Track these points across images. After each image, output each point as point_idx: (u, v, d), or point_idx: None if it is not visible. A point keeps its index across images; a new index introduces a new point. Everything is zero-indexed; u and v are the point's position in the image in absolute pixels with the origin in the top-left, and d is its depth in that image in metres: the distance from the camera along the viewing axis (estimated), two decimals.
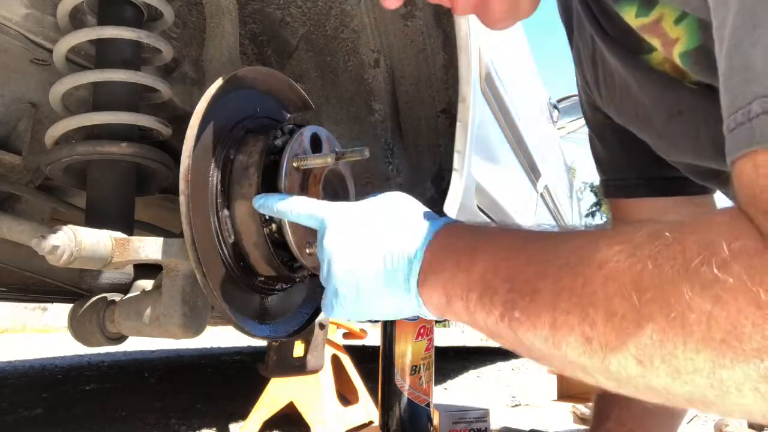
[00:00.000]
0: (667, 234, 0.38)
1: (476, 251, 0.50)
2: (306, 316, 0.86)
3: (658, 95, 0.68)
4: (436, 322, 1.24)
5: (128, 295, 0.80)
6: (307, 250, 0.73)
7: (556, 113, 2.95)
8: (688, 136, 0.66)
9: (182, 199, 0.66)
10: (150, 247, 0.72)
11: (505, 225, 0.53)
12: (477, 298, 0.48)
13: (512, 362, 3.91)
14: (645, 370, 0.38)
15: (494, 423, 1.43)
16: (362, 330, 1.70)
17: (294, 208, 0.64)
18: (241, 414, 1.58)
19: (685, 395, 0.38)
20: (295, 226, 0.71)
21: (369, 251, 0.56)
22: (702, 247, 0.36)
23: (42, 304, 11.58)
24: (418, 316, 0.63)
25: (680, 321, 0.35)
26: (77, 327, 0.80)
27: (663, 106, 0.68)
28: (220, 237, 0.72)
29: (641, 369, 0.38)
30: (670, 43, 0.59)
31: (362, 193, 0.94)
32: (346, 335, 1.69)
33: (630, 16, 0.62)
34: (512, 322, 0.45)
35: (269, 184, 0.71)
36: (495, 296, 0.47)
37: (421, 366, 1.12)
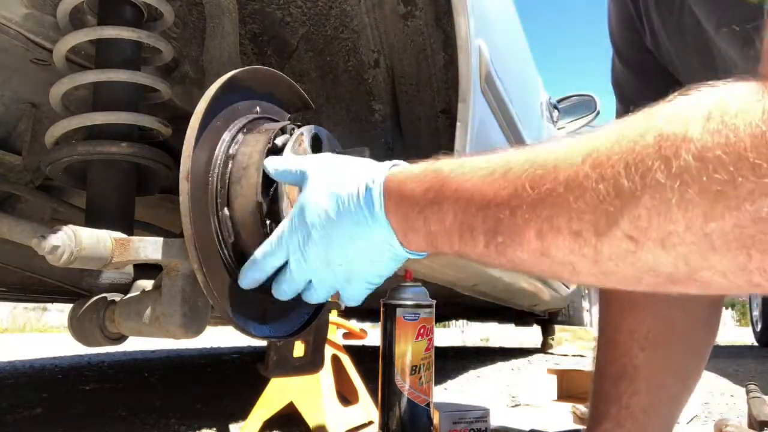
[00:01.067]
0: (651, 111, 0.40)
1: (443, 185, 0.51)
2: (306, 316, 0.86)
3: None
4: (436, 322, 1.24)
5: (128, 295, 0.80)
6: None
7: (556, 113, 2.95)
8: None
9: (182, 199, 0.66)
10: (150, 247, 0.72)
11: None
12: (459, 239, 0.50)
13: (512, 362, 3.91)
14: (636, 246, 0.39)
15: (494, 423, 1.43)
16: (362, 330, 1.69)
17: (276, 165, 0.67)
18: (241, 414, 1.58)
19: (670, 267, 0.39)
20: None
21: (340, 183, 0.59)
22: (695, 106, 0.37)
23: (42, 304, 11.58)
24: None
25: (679, 179, 0.36)
26: (77, 327, 0.80)
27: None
28: (220, 237, 0.71)
29: (632, 245, 0.39)
30: None
31: None
32: (346, 335, 1.69)
33: None
34: (498, 247, 0.47)
35: (268, 184, 0.71)
36: (474, 231, 0.48)
37: (421, 366, 1.12)
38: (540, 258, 0.45)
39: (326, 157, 0.67)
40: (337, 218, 0.59)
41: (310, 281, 0.65)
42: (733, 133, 0.35)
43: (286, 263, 0.64)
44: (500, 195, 0.46)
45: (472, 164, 0.50)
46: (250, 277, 0.67)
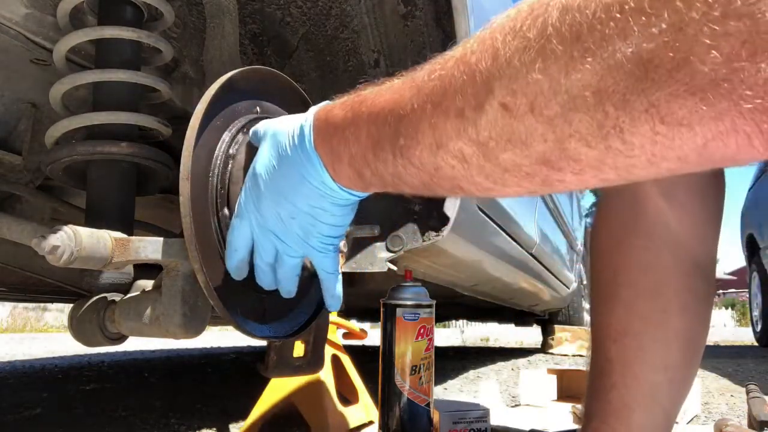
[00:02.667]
0: None
1: (360, 104, 0.53)
2: (306, 316, 0.86)
3: None
4: (436, 322, 1.24)
5: (128, 295, 0.80)
6: None
7: None
8: None
9: (182, 199, 0.66)
10: (150, 247, 0.72)
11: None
12: (373, 155, 0.52)
13: (512, 362, 3.91)
14: (510, 115, 0.40)
15: (494, 423, 1.43)
16: (362, 330, 1.69)
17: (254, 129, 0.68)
18: (241, 414, 1.58)
19: (539, 140, 0.39)
20: None
21: (281, 131, 0.62)
22: None
23: (42, 304, 11.58)
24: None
25: (543, 34, 0.37)
26: (77, 327, 0.80)
27: None
28: (220, 237, 0.72)
29: (507, 115, 0.40)
30: None
31: None
32: (346, 335, 1.69)
33: None
34: (402, 151, 0.49)
35: None
36: (382, 141, 0.50)
37: (421, 366, 1.12)
38: (436, 153, 0.45)
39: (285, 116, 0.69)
40: (278, 166, 0.61)
41: (277, 251, 0.66)
42: None
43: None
44: (403, 97, 0.48)
45: (390, 83, 0.52)
46: (231, 263, 0.68)
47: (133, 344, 5.41)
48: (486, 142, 0.42)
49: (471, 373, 3.12)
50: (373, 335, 2.05)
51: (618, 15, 0.34)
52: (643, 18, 0.33)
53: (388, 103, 0.50)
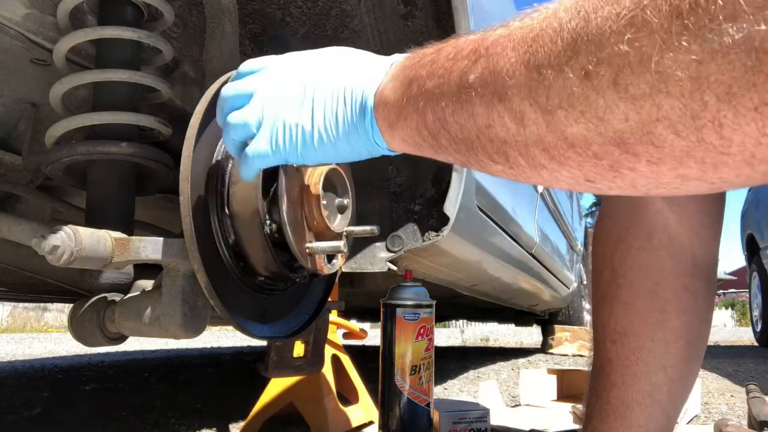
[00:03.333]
0: None
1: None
2: (306, 316, 0.86)
3: None
4: (436, 322, 1.24)
5: (128, 295, 0.80)
6: (307, 250, 0.73)
7: None
8: None
9: (182, 199, 0.66)
10: (150, 247, 0.72)
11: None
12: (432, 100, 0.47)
13: (512, 362, 3.91)
14: (589, 82, 0.35)
15: (494, 423, 1.43)
16: (362, 330, 1.70)
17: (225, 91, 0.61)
18: (241, 414, 1.58)
19: (620, 116, 0.35)
20: (295, 226, 0.71)
21: (325, 83, 0.56)
22: None
23: (42, 304, 11.58)
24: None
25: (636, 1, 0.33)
26: (77, 327, 0.80)
27: None
28: (220, 237, 0.72)
29: (586, 83, 0.36)
30: None
31: (362, 194, 0.95)
32: (346, 335, 1.70)
33: None
34: (462, 93, 0.44)
35: (268, 184, 0.71)
36: (451, 82, 0.45)
37: (421, 366, 1.12)
38: (493, 105, 0.41)
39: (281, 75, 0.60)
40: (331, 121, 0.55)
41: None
42: None
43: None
44: (488, 37, 0.44)
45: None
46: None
47: (133, 344, 5.41)
48: (554, 110, 0.37)
49: (471, 373, 3.12)
50: (373, 335, 2.05)
51: None
52: None
53: (472, 42, 0.45)
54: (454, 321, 9.61)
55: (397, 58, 0.54)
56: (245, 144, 0.60)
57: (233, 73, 0.73)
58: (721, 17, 0.29)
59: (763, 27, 0.28)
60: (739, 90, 0.30)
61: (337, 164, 0.76)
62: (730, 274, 25.94)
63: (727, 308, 18.82)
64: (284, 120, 0.56)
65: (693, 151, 0.33)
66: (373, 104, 0.53)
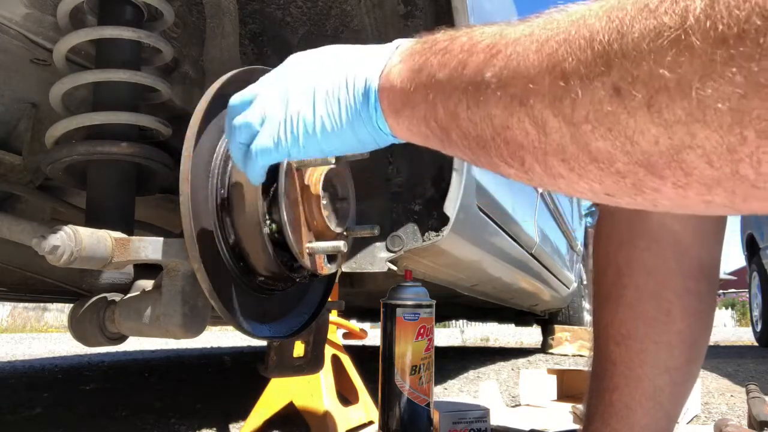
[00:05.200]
0: None
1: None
2: (306, 316, 0.86)
3: None
4: (436, 322, 1.24)
5: (128, 295, 0.80)
6: (307, 250, 0.73)
7: None
8: None
9: (182, 199, 0.66)
10: (150, 247, 0.72)
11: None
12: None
13: (512, 362, 3.91)
14: (619, 101, 0.33)
15: (494, 423, 1.43)
16: (362, 330, 1.70)
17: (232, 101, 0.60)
18: (241, 414, 1.58)
19: (651, 139, 0.33)
20: (295, 226, 0.71)
21: (325, 76, 0.54)
22: None
23: (42, 304, 11.58)
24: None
25: (681, 20, 0.31)
26: (77, 327, 0.80)
27: None
28: (220, 237, 0.72)
29: (616, 102, 0.33)
30: None
31: (362, 194, 0.94)
32: (346, 335, 1.69)
33: None
34: (479, 89, 0.41)
35: (268, 184, 0.71)
36: (466, 75, 0.43)
37: (421, 366, 1.12)
38: (513, 109, 0.38)
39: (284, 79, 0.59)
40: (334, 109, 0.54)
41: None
42: None
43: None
44: (509, 34, 0.41)
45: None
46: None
47: (133, 344, 5.41)
48: (579, 123, 0.35)
49: (471, 373, 3.12)
50: (373, 335, 2.05)
51: None
52: None
53: (490, 36, 0.42)
54: (454, 321, 9.61)
55: (404, 42, 0.52)
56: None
57: (233, 72, 0.73)
58: None
59: None
60: None
61: (337, 164, 0.76)
62: (730, 274, 25.93)
63: (727, 308, 18.81)
64: (285, 111, 0.55)
65: (724, 182, 0.32)
66: (378, 87, 0.51)
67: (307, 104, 0.54)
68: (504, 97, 0.39)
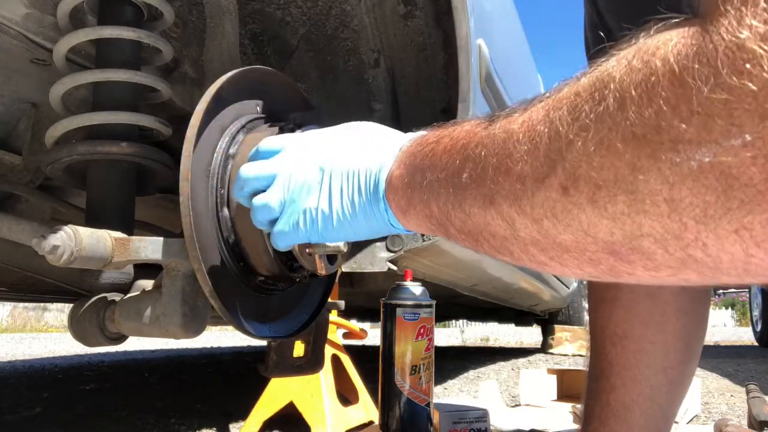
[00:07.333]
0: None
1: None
2: (306, 316, 0.86)
3: None
4: (436, 322, 1.24)
5: (128, 295, 0.80)
6: (307, 250, 0.72)
7: None
8: None
9: (182, 199, 0.66)
10: (150, 247, 0.72)
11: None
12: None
13: (512, 362, 3.91)
14: (568, 200, 0.35)
15: (494, 423, 1.43)
16: (362, 330, 1.70)
17: (248, 171, 0.62)
18: (241, 414, 1.58)
19: (605, 232, 0.34)
20: None
21: (343, 164, 0.58)
22: (628, 47, 0.33)
23: (42, 304, 11.58)
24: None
25: (603, 123, 0.33)
26: (77, 327, 0.80)
27: None
28: (220, 237, 0.72)
29: (566, 200, 0.35)
30: None
31: None
32: (346, 335, 1.69)
33: None
34: (458, 190, 0.44)
35: None
36: (450, 177, 0.46)
37: (421, 366, 1.12)
38: (487, 208, 0.41)
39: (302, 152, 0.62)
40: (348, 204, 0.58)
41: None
42: (651, 70, 0.30)
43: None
44: (474, 137, 0.44)
45: (468, 122, 0.48)
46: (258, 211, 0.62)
47: (133, 344, 5.41)
48: (540, 220, 0.37)
49: (471, 373, 3.12)
50: (373, 335, 2.05)
51: (683, 123, 0.29)
52: (720, 123, 0.28)
53: (465, 135, 0.45)
54: (454, 321, 9.61)
55: (405, 141, 0.56)
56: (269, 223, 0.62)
57: (233, 72, 0.73)
58: (688, 143, 0.29)
59: (730, 158, 0.28)
60: (715, 213, 0.29)
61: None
62: None
63: (727, 308, 18.80)
64: (305, 206, 0.59)
65: (687, 264, 0.32)
66: (384, 190, 0.55)
67: (324, 200, 0.58)
68: (478, 197, 0.42)
